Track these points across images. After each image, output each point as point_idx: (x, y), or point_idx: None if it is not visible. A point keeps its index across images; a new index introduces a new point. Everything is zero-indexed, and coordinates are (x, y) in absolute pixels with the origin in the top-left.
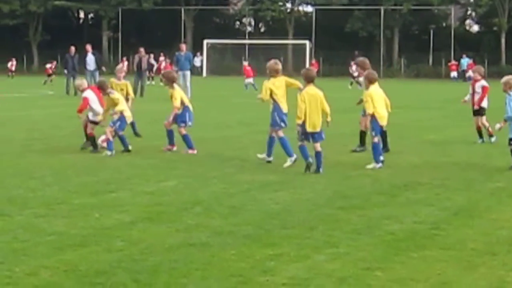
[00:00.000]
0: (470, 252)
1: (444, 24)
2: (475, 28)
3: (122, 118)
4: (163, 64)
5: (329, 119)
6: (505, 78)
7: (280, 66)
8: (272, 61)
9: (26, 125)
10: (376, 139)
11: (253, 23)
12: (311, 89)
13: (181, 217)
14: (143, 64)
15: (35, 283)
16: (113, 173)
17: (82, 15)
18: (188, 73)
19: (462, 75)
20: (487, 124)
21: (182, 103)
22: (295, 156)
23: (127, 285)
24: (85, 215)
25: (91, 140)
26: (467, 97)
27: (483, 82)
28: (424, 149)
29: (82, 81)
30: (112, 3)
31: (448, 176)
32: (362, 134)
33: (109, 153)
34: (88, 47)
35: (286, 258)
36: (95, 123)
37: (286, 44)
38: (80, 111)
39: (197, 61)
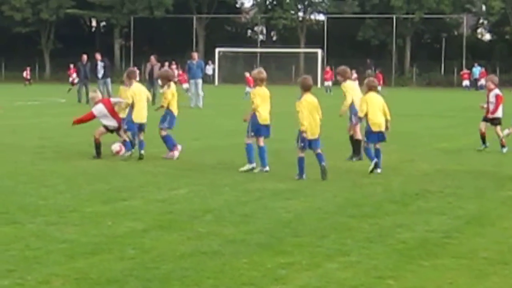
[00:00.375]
0: (482, 261)
1: (456, 33)
2: (487, 36)
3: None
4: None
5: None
6: None
7: (264, 75)
8: (255, 70)
9: (37, 133)
10: (365, 144)
11: (265, 31)
12: (309, 97)
13: (192, 225)
14: (155, 73)
15: None
16: (125, 180)
17: (94, 23)
18: (200, 81)
19: (474, 83)
20: (501, 134)
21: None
22: (254, 164)
23: None
24: (97, 223)
25: (96, 146)
26: (485, 104)
27: (497, 91)
28: (436, 157)
29: (96, 94)
30: (124, 11)
31: (460, 184)
32: (353, 141)
33: (128, 153)
34: (98, 56)
35: (297, 267)
36: (109, 130)
37: (298, 53)
38: (77, 121)
39: (209, 70)
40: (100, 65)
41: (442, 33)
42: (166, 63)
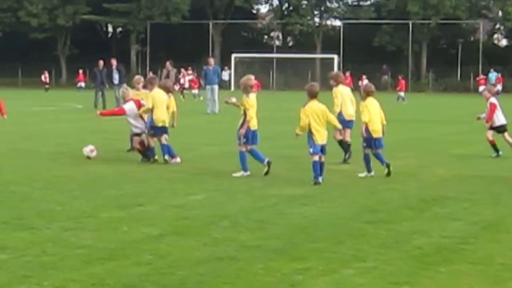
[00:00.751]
0: (498, 266)
1: (472, 38)
2: (504, 42)
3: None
4: (188, 77)
5: (339, 126)
6: None
7: (252, 82)
8: (245, 77)
9: (53, 138)
10: (366, 151)
11: (281, 37)
12: (314, 104)
13: (208, 231)
14: (171, 78)
15: None
16: (141, 186)
17: (110, 29)
18: (216, 87)
19: None
20: (510, 140)
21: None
22: (248, 172)
23: None
24: (113, 228)
25: (142, 152)
26: (483, 114)
27: (491, 100)
28: (452, 163)
29: (127, 91)
30: (140, 17)
31: (476, 190)
32: (340, 143)
33: (167, 157)
34: (113, 62)
35: (314, 272)
36: (138, 134)
37: (314, 58)
38: (104, 114)
39: (225, 75)
40: (115, 71)
41: (459, 38)
42: (182, 69)
